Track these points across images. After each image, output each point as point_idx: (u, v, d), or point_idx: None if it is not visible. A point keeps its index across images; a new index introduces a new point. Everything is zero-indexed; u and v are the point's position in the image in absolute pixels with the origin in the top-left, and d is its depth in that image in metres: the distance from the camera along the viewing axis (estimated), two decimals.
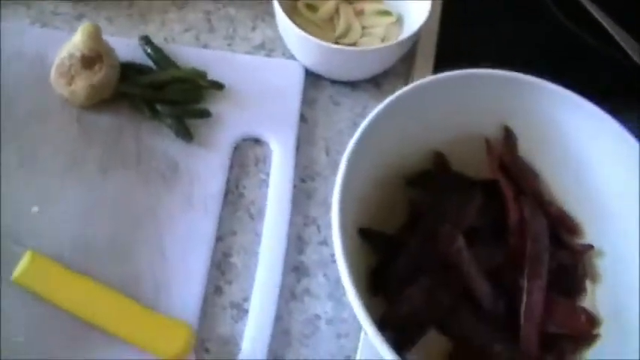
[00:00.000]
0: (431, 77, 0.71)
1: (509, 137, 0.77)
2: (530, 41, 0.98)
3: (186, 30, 0.91)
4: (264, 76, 0.86)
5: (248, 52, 0.90)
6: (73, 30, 0.86)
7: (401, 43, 0.81)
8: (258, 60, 0.89)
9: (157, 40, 0.89)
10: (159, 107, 0.81)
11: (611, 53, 0.93)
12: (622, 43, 0.94)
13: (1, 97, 0.82)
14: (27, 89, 0.83)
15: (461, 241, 0.69)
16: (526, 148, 0.77)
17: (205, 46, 0.90)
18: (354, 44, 0.88)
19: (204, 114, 0.82)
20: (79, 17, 0.91)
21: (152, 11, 0.93)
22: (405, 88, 0.70)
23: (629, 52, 0.92)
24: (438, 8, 0.94)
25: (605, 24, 0.95)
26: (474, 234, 0.71)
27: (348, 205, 0.64)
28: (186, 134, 0.80)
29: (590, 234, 0.74)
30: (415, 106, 0.71)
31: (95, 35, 0.80)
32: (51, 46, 0.85)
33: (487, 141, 0.76)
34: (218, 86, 0.84)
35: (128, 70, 0.84)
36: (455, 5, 0.96)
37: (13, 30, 0.88)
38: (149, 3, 0.94)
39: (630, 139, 0.68)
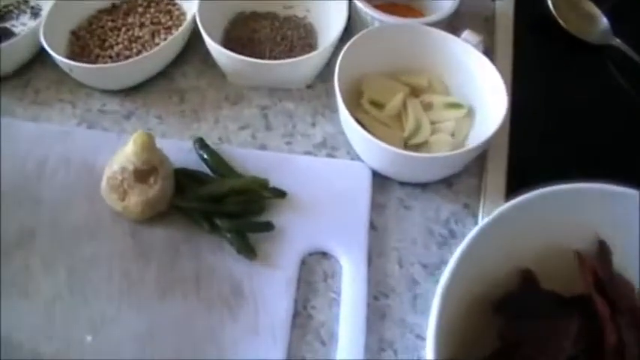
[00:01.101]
0: (526, 196, 0.66)
1: (603, 251, 0.70)
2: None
3: (242, 128, 0.85)
4: (328, 179, 0.80)
5: (308, 152, 0.83)
6: (123, 131, 0.81)
7: (477, 148, 0.74)
8: (321, 162, 0.82)
9: (211, 140, 0.83)
10: (218, 221, 0.74)
11: None
12: None
13: (47, 211, 0.76)
14: (75, 200, 0.78)
15: None
16: (620, 263, 0.70)
17: (263, 147, 0.83)
18: (424, 143, 0.80)
19: (268, 227, 0.75)
20: (128, 116, 0.86)
21: (205, 107, 0.87)
22: (498, 212, 0.64)
23: None
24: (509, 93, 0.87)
25: None
26: None
27: (439, 340, 0.59)
28: (249, 251, 0.74)
29: None
30: (506, 227, 0.65)
31: (149, 146, 0.74)
32: (100, 150, 0.81)
33: (578, 254, 0.70)
34: (280, 194, 0.77)
35: (183, 178, 0.78)
36: (525, 92, 0.89)
37: (59, 133, 0.82)
38: (201, 98, 0.87)
39: None
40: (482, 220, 0.65)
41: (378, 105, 0.82)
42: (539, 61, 0.96)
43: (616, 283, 0.70)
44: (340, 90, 0.77)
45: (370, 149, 0.77)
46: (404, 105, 0.83)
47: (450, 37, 0.83)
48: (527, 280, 0.71)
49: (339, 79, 0.78)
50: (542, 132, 0.88)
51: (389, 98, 0.82)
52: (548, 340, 0.66)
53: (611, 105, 0.93)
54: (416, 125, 0.81)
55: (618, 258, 0.70)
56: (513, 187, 0.82)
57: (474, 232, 0.64)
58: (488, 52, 0.88)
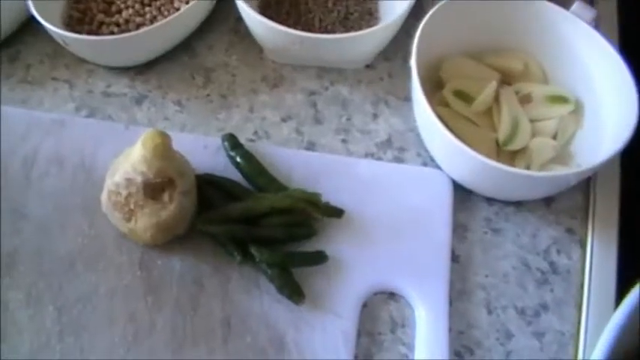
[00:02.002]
0: None
1: None
2: None
3: (284, 119, 0.66)
4: (396, 191, 0.62)
5: (370, 153, 0.65)
6: (132, 120, 0.64)
7: (598, 166, 0.55)
8: (388, 168, 0.64)
9: (245, 135, 0.64)
10: (254, 250, 0.55)
11: None
12: None
13: (33, 229, 0.60)
14: (69, 215, 0.59)
15: None
16: None
17: (311, 144, 0.65)
18: (522, 149, 0.61)
19: (320, 259, 0.57)
20: (140, 100, 0.67)
21: (236, 91, 0.68)
22: None
23: None
24: None
25: None
26: None
27: None
28: (294, 292, 0.56)
29: None
30: None
31: (163, 151, 0.55)
32: (102, 146, 0.64)
33: None
34: (336, 213, 0.59)
35: (208, 190, 0.59)
36: None
37: (50, 123, 0.64)
38: (231, 79, 0.68)
39: None
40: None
41: (464, 97, 0.63)
42: None
43: None
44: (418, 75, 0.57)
45: (453, 156, 0.59)
46: (496, 97, 0.62)
47: (553, 9, 0.65)
48: None
49: (418, 60, 0.58)
50: None
51: (478, 88, 0.63)
52: None
53: None
54: (513, 125, 0.62)
55: None
56: (629, 206, 0.63)
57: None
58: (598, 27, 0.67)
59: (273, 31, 0.65)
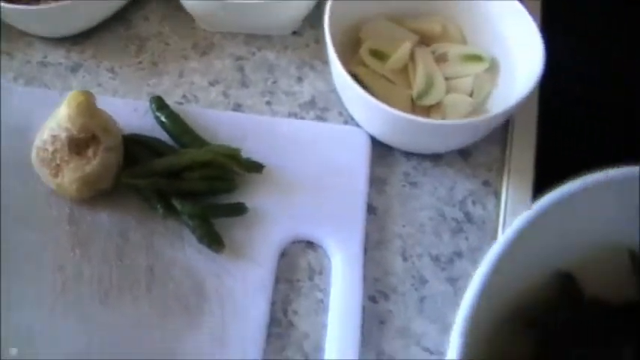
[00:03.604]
0: (573, 185, 0.50)
1: None
2: None
3: (212, 83, 0.69)
4: (316, 149, 0.64)
5: (293, 114, 0.67)
6: (67, 88, 0.67)
7: (505, 113, 0.57)
8: (308, 126, 0.66)
9: (174, 99, 0.67)
10: (177, 203, 0.58)
11: None
12: None
13: None
14: (3, 176, 0.61)
15: None
16: None
17: (237, 106, 0.67)
18: (437, 104, 0.64)
19: (239, 211, 0.60)
20: (75, 69, 0.70)
21: (167, 59, 0.70)
22: (540, 206, 0.49)
23: None
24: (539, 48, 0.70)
25: None
26: None
27: None
28: (215, 241, 0.58)
29: None
30: (548, 224, 0.50)
31: (87, 109, 0.58)
32: (37, 112, 0.65)
33: (632, 254, 0.54)
34: (256, 168, 0.61)
35: (135, 148, 0.62)
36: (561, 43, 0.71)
37: None
38: (163, 47, 0.70)
39: None
40: (522, 217, 0.49)
41: (380, 56, 0.66)
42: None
43: None
44: (332, 37, 0.60)
45: (369, 112, 0.61)
46: (412, 56, 0.65)
47: None
48: (566, 287, 0.55)
49: (330, 24, 0.62)
50: (582, 91, 0.70)
51: (394, 48, 0.65)
52: None
53: None
54: (427, 82, 0.64)
55: None
56: (544, 159, 0.66)
57: (510, 232, 0.49)
58: None
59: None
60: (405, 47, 0.65)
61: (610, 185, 0.53)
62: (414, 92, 0.64)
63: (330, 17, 0.62)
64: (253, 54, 0.71)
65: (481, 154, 0.67)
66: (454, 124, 0.59)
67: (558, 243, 0.54)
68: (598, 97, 0.71)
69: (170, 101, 0.66)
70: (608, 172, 0.52)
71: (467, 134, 0.62)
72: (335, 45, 0.61)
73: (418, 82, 0.64)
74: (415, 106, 0.65)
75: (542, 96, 0.70)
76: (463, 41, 0.69)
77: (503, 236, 0.49)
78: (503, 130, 0.68)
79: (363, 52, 0.66)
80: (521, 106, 0.60)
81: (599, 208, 0.53)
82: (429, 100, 0.64)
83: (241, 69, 0.70)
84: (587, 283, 0.56)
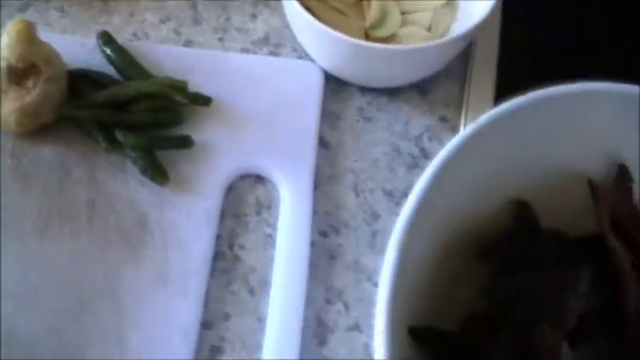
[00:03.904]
0: (519, 99, 0.46)
1: (623, 178, 0.52)
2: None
3: (163, 21, 0.67)
4: (267, 83, 0.62)
5: (246, 50, 0.65)
6: None
7: (460, 38, 0.55)
8: (260, 61, 0.64)
9: (124, 36, 0.65)
10: (119, 135, 0.56)
11: None
12: None
13: None
14: None
15: (565, 350, 0.44)
16: None
17: (188, 43, 0.65)
18: (391, 37, 0.61)
19: (185, 143, 0.58)
20: (24, 8, 0.68)
21: None
22: (481, 121, 0.46)
23: None
24: None
25: None
26: (577, 326, 0.48)
27: (399, 298, 0.42)
28: (158, 174, 0.56)
29: None
30: (493, 143, 0.48)
31: (26, 38, 0.56)
32: None
33: (591, 183, 0.52)
34: (203, 101, 0.60)
35: (80, 83, 0.60)
36: None
37: None
38: None
39: None
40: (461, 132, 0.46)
41: None
42: None
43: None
44: None
45: (319, 41, 0.59)
46: None
47: None
48: (521, 215, 0.54)
49: None
50: (543, 25, 0.68)
51: None
52: (552, 297, 0.49)
53: None
54: (381, 13, 0.62)
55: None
56: (505, 97, 0.64)
57: (447, 148, 0.47)
58: None
59: None
60: None
61: (564, 104, 0.51)
62: (367, 23, 0.62)
63: None
64: None
65: (439, 90, 0.65)
66: (407, 49, 0.57)
67: (508, 169, 0.52)
68: (560, 34, 0.69)
69: (120, 39, 0.64)
70: (556, 87, 0.50)
71: (418, 63, 0.60)
72: None
73: (372, 13, 0.63)
74: (369, 39, 0.63)
75: (504, 33, 0.67)
76: None
77: (440, 154, 0.46)
78: (462, 67, 0.66)
79: None
80: (475, 34, 0.58)
81: (553, 130, 0.51)
82: (382, 32, 0.62)
83: (194, 6, 0.68)
84: (545, 215, 0.54)
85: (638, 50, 0.69)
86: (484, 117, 0.47)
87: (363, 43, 0.56)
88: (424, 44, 0.57)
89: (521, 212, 0.54)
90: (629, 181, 0.53)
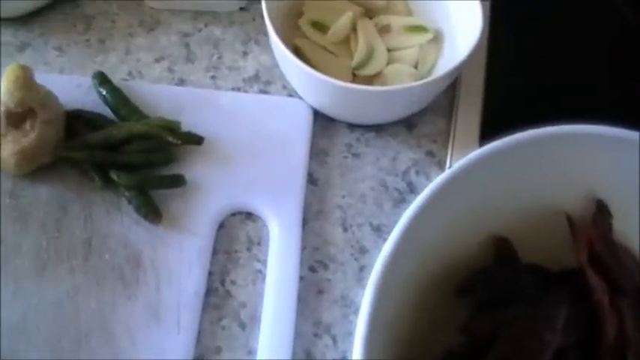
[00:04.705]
0: (502, 141, 0.49)
1: (601, 213, 0.53)
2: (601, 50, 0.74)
3: (157, 60, 0.69)
4: (258, 121, 0.64)
5: (237, 88, 0.67)
6: None
7: (445, 77, 0.57)
8: (251, 99, 0.66)
9: (120, 75, 0.67)
10: (114, 175, 0.58)
11: None
12: None
13: None
14: None
15: None
16: (621, 229, 0.54)
17: (181, 81, 0.67)
18: (377, 75, 0.63)
19: (177, 182, 0.60)
20: (23, 48, 0.70)
21: (114, 36, 0.70)
22: (466, 161, 0.48)
23: None
24: (485, 17, 0.69)
25: None
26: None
27: (377, 334, 0.44)
28: (151, 212, 0.58)
29: None
30: (476, 181, 0.50)
31: (24, 82, 0.58)
32: None
33: (570, 219, 0.53)
34: (195, 140, 0.61)
35: (76, 123, 0.62)
36: (507, 13, 0.71)
37: None
38: (110, 25, 0.70)
39: None
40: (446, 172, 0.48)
41: (320, 27, 0.66)
42: None
43: (617, 257, 0.54)
44: (272, 10, 0.61)
45: (306, 82, 0.61)
46: (354, 28, 0.65)
47: None
48: (502, 252, 0.55)
49: None
50: (528, 63, 0.70)
51: (335, 19, 0.65)
52: (529, 332, 0.51)
53: (612, 33, 0.76)
54: (367, 52, 0.64)
55: (619, 223, 0.54)
56: (490, 131, 0.66)
57: (432, 186, 0.48)
58: None
59: None
60: (346, 17, 0.65)
61: (541, 145, 0.52)
62: (354, 62, 0.64)
63: None
64: (200, 30, 0.71)
65: (426, 125, 0.67)
66: (391, 90, 0.59)
67: (489, 206, 0.54)
68: (545, 72, 0.71)
69: (116, 78, 0.66)
70: (539, 130, 0.51)
71: (405, 102, 0.62)
72: (275, 18, 0.62)
73: (359, 52, 0.64)
74: (356, 78, 0.64)
75: (489, 67, 0.69)
76: (408, 13, 0.69)
77: (427, 189, 0.48)
78: (448, 101, 0.68)
79: (303, 24, 0.66)
80: (460, 72, 0.60)
81: (533, 169, 0.53)
82: (368, 70, 0.64)
83: (187, 45, 0.70)
84: (527, 250, 0.55)
85: (619, 93, 0.71)
86: (465, 159, 0.49)
87: (348, 85, 0.58)
88: (407, 85, 0.59)
89: (502, 249, 0.55)
90: (608, 216, 0.55)
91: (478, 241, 0.55)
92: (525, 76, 0.70)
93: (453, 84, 0.68)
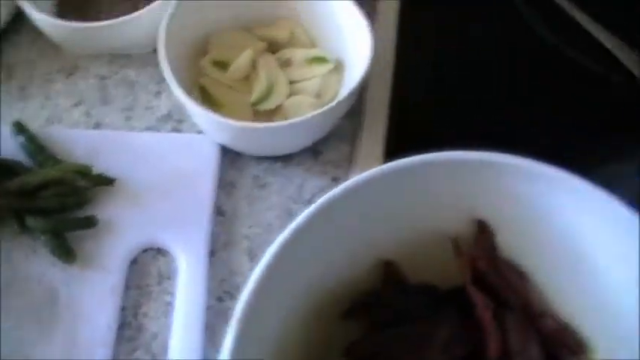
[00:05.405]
0: (375, 170, 0.52)
1: (483, 233, 0.56)
2: (507, 65, 0.77)
3: (76, 104, 0.72)
4: (168, 159, 0.68)
5: (151, 127, 0.70)
6: None
7: (334, 108, 0.61)
8: (161, 138, 0.70)
9: (39, 122, 0.70)
10: (30, 221, 0.62)
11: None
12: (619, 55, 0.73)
13: None
14: None
15: None
16: (507, 245, 0.57)
17: (98, 125, 0.71)
18: (278, 109, 0.67)
19: (89, 223, 0.63)
20: None
21: (34, 83, 0.74)
22: (343, 188, 0.51)
23: (629, 66, 0.72)
24: (391, 45, 0.73)
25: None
26: None
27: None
28: (65, 253, 0.62)
29: (603, 349, 0.54)
30: (356, 206, 0.52)
31: None
32: None
33: (454, 241, 0.56)
34: (107, 182, 0.65)
35: None
36: (413, 37, 0.75)
37: None
38: (30, 72, 0.74)
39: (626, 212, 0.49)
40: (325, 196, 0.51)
41: (223, 65, 0.69)
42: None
43: (502, 274, 0.57)
44: (173, 52, 0.65)
45: (207, 123, 0.64)
46: (255, 64, 0.68)
47: None
48: (389, 275, 0.58)
49: (170, 40, 0.66)
50: (434, 87, 0.74)
51: (237, 56, 0.68)
52: (409, 350, 0.54)
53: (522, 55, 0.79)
54: (267, 87, 0.67)
55: (503, 240, 0.57)
56: (394, 156, 0.69)
57: (308, 212, 0.51)
58: None
59: (57, 26, 0.72)
60: (246, 55, 0.68)
61: (424, 170, 0.55)
62: (252, 98, 0.67)
63: (173, 32, 0.66)
64: (116, 73, 0.75)
65: (332, 151, 0.70)
66: (284, 125, 0.62)
67: (376, 229, 0.57)
68: (449, 98, 0.74)
69: (36, 124, 0.70)
70: (421, 156, 0.54)
71: (305, 132, 0.65)
72: (178, 59, 0.65)
73: (258, 88, 0.67)
74: (257, 113, 0.68)
75: (395, 92, 0.72)
76: (312, 45, 0.72)
77: (304, 214, 0.51)
78: (353, 126, 0.71)
79: (205, 64, 0.69)
80: (348, 102, 0.64)
81: (418, 193, 0.55)
82: (268, 105, 0.67)
83: (104, 88, 0.74)
84: (417, 270, 0.58)
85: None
86: (347, 183, 0.52)
87: (245, 125, 0.61)
88: (297, 120, 0.62)
89: (389, 272, 0.58)
90: (490, 235, 0.58)
91: (367, 264, 0.58)
92: (431, 100, 0.73)
93: (358, 109, 0.71)
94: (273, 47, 0.72)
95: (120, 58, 0.76)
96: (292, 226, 0.50)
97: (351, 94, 0.63)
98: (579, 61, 0.78)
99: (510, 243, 0.57)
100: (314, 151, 0.69)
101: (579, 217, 0.53)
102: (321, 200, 0.50)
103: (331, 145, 0.70)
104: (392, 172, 0.54)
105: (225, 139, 0.66)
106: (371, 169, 0.53)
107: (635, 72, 0.73)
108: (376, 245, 0.57)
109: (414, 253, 0.58)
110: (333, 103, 0.62)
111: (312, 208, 0.51)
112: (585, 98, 0.75)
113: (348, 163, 0.69)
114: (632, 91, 0.74)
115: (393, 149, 0.70)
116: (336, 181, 0.68)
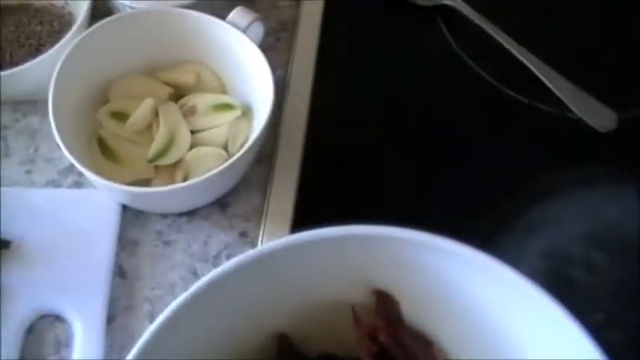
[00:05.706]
0: (274, 244, 0.48)
1: (385, 304, 0.54)
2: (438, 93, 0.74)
3: None
4: (68, 217, 0.65)
5: (52, 181, 0.68)
6: None
7: (237, 161, 0.58)
8: (62, 194, 0.67)
9: None
10: None
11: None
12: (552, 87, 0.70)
13: None
14: None
15: None
16: (413, 313, 0.54)
17: None
18: (179, 163, 0.64)
19: None
20: None
21: None
22: (226, 266, 0.48)
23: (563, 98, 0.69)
24: (307, 89, 0.70)
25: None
26: None
27: None
28: None
29: None
30: (252, 278, 0.49)
31: None
32: None
33: (354, 313, 0.54)
34: (2, 245, 0.62)
35: None
36: (328, 82, 0.71)
37: None
38: None
39: (524, 283, 0.46)
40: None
41: (122, 117, 0.65)
42: (355, 29, 0.78)
43: (405, 345, 0.54)
44: (70, 101, 0.64)
45: (98, 185, 0.61)
46: (156, 114, 0.65)
47: (211, 21, 0.66)
48: (282, 348, 0.56)
49: (69, 87, 0.63)
50: (353, 133, 0.70)
51: (137, 106, 0.65)
52: None
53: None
54: (168, 140, 0.64)
55: (415, 310, 0.54)
56: (306, 208, 0.66)
57: (196, 287, 0.48)
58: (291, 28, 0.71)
59: None
60: (145, 106, 0.65)
61: (322, 244, 0.52)
62: (150, 154, 0.63)
63: (62, 81, 0.63)
64: (18, 121, 0.72)
65: (240, 204, 0.67)
66: (177, 188, 0.59)
67: (271, 303, 0.54)
68: (361, 150, 0.71)
69: None
70: (320, 230, 0.51)
71: (205, 190, 0.62)
72: (75, 110, 0.62)
73: (156, 142, 0.64)
74: (160, 166, 0.65)
75: (307, 140, 0.69)
76: (220, 88, 0.69)
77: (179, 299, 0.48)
78: (263, 176, 0.68)
79: (101, 116, 0.65)
80: (254, 150, 0.62)
81: (318, 265, 0.52)
82: (166, 161, 0.64)
83: (5, 138, 0.70)
84: (320, 341, 0.56)
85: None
86: (242, 257, 0.49)
87: (136, 190, 0.59)
88: (192, 182, 0.58)
89: (282, 345, 0.56)
90: (393, 304, 0.55)
91: (266, 335, 0.55)
92: (353, 145, 0.70)
93: (269, 156, 0.68)
94: (179, 92, 0.68)
95: (23, 104, 0.72)
96: (172, 306, 0.48)
97: (253, 145, 0.60)
98: (505, 89, 0.74)
99: (416, 311, 0.54)
100: (222, 204, 0.66)
101: (482, 288, 0.50)
102: (210, 275, 0.48)
103: (240, 197, 0.67)
104: (291, 245, 0.51)
105: (122, 200, 0.63)
106: (269, 243, 0.49)
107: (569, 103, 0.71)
108: (278, 315, 0.55)
109: (318, 324, 0.56)
110: (233, 159, 0.59)
111: (196, 286, 0.49)
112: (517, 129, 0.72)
113: (257, 216, 0.66)
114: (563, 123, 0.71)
115: (304, 200, 0.66)
116: (244, 236, 0.65)
